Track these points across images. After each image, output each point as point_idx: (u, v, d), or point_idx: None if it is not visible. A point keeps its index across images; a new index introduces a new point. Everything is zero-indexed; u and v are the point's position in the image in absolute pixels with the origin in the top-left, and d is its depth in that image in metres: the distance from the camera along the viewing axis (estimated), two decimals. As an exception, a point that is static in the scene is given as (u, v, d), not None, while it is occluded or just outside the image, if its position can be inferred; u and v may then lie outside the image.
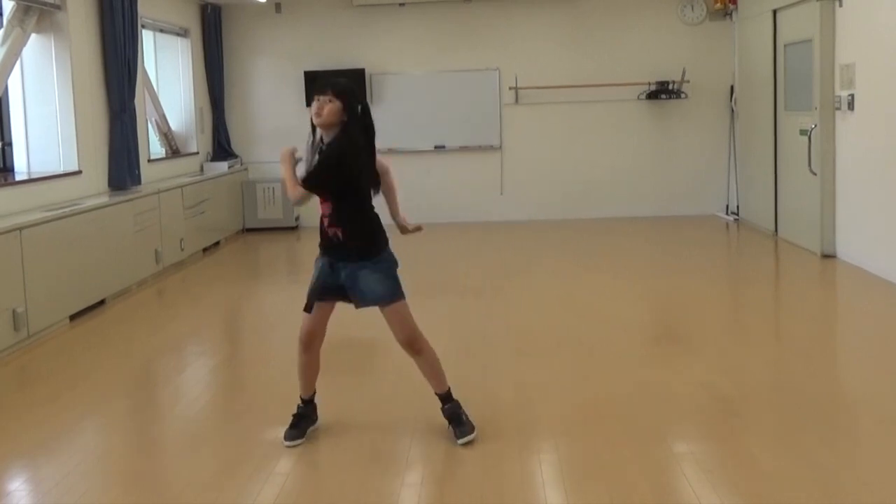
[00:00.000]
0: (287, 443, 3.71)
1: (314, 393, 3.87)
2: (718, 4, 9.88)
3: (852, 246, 7.21)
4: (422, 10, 10.30)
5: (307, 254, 9.42)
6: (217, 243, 9.37)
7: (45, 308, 5.73)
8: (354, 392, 4.51)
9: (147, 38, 9.09)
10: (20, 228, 5.54)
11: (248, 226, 10.34)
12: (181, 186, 8.39)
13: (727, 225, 9.68)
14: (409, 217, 3.87)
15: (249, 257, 9.08)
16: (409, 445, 3.70)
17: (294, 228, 10.36)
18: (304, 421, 3.82)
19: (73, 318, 6.13)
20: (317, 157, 3.51)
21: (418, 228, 3.83)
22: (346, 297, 3.66)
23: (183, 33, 9.64)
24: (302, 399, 3.86)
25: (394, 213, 3.81)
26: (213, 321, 6.49)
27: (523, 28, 10.28)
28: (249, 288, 7.68)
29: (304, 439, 3.75)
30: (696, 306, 6.23)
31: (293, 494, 3.30)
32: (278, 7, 10.40)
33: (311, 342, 3.76)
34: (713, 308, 6.21)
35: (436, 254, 8.07)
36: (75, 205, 6.49)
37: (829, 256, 7.48)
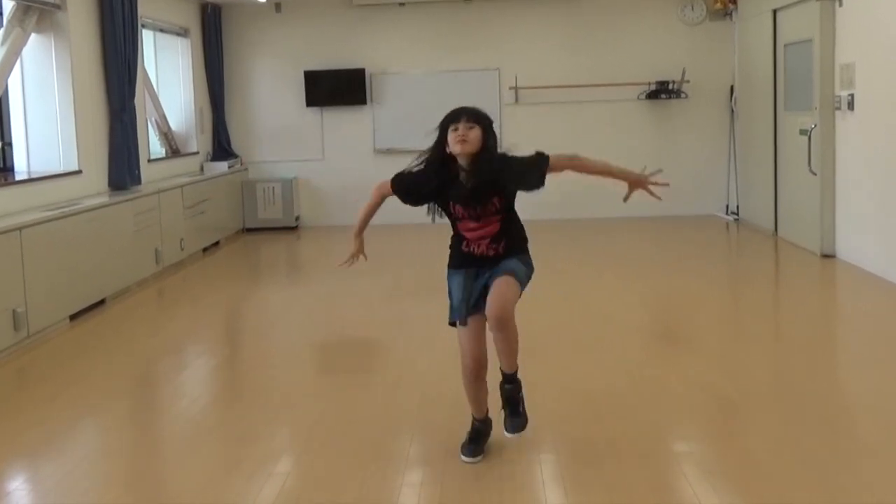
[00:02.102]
0: (467, 459, 3.48)
1: (487, 410, 3.60)
2: (718, 4, 9.88)
3: (852, 246, 7.21)
4: (422, 10, 10.30)
5: (307, 254, 9.45)
6: (217, 243, 9.37)
7: (45, 308, 5.73)
8: (354, 392, 4.51)
9: (147, 38, 9.09)
10: (20, 228, 5.53)
11: (248, 226, 10.33)
12: (181, 186, 8.39)
13: (727, 225, 9.68)
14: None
15: (249, 257, 9.09)
16: (409, 445, 3.70)
17: (294, 228, 10.36)
18: (480, 436, 3.58)
19: (73, 318, 6.13)
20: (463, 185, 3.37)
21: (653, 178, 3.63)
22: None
23: (183, 33, 9.64)
24: (476, 419, 3.59)
25: (626, 178, 3.57)
26: (213, 321, 6.49)
27: (523, 28, 10.28)
28: (249, 288, 7.68)
29: (483, 455, 3.52)
30: (696, 306, 6.23)
31: (293, 494, 3.30)
32: (278, 7, 10.40)
33: (479, 370, 3.45)
34: (713, 308, 6.21)
35: (436, 254, 8.06)
36: (75, 205, 6.48)
37: (828, 256, 7.48)
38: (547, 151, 3.42)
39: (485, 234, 3.40)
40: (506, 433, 3.49)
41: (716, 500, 3.12)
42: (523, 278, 3.44)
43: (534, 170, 3.37)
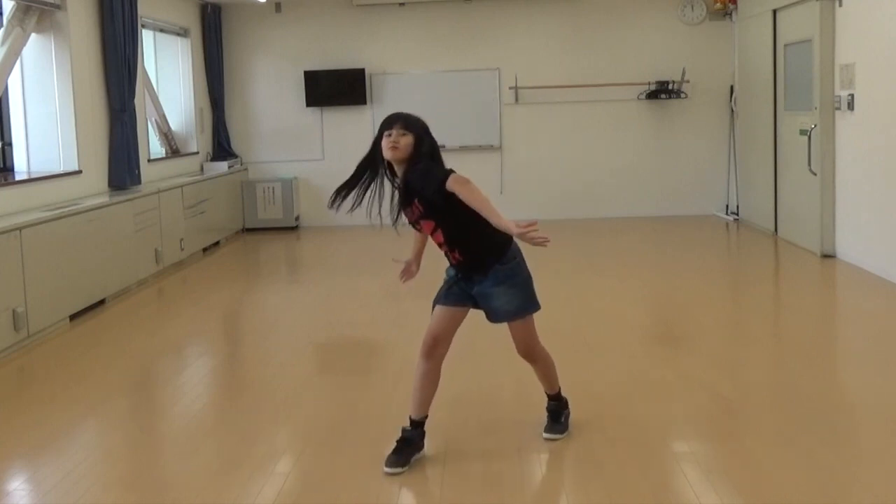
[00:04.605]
0: (387, 469, 3.38)
1: (426, 417, 3.51)
2: (718, 4, 9.88)
3: (852, 246, 7.21)
4: (422, 10, 10.30)
5: (307, 254, 9.44)
6: (217, 243, 9.37)
7: (45, 308, 5.73)
8: (354, 392, 4.51)
9: (147, 38, 9.09)
10: (20, 228, 5.53)
11: (248, 226, 10.34)
12: (181, 186, 8.39)
13: (727, 225, 9.68)
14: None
15: (249, 257, 9.08)
16: (409, 445, 3.69)
17: (294, 228, 10.37)
18: (408, 447, 3.46)
19: (73, 318, 6.13)
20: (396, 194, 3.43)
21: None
22: (477, 306, 3.50)
23: (183, 33, 9.64)
24: (411, 420, 3.50)
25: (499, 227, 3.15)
26: (213, 321, 6.49)
27: (523, 28, 10.28)
28: (249, 288, 7.68)
29: (407, 468, 3.41)
30: (696, 306, 6.23)
31: (293, 494, 3.30)
32: (278, 7, 10.40)
33: (435, 347, 3.44)
34: (713, 308, 6.21)
35: (436, 253, 8.06)
36: (75, 205, 6.48)
37: (828, 256, 7.48)
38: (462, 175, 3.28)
39: (437, 240, 3.45)
40: (543, 434, 3.66)
41: (716, 500, 3.12)
42: (526, 304, 3.45)
43: (433, 181, 3.25)
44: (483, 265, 3.40)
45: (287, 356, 5.28)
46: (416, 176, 3.31)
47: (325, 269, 8.31)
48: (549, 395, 3.73)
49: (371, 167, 3.42)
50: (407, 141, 3.31)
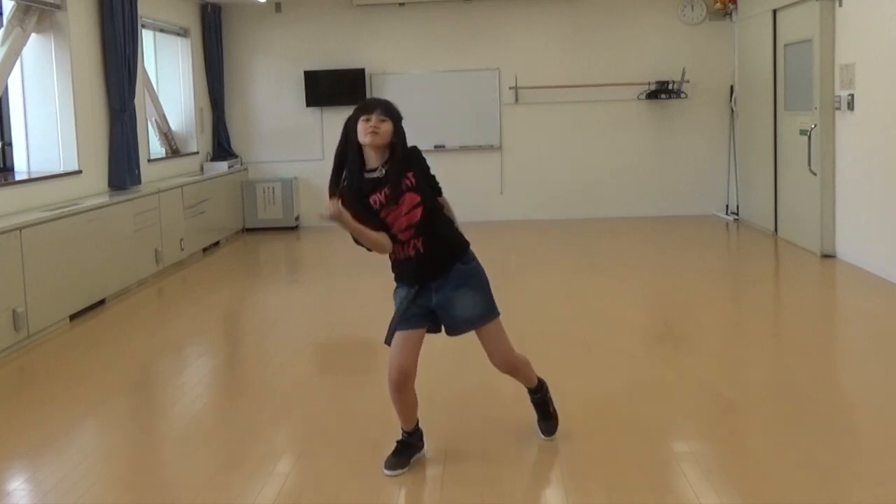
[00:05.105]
0: (387, 472, 3.40)
1: (417, 422, 3.54)
2: (718, 4, 9.88)
3: (852, 246, 7.21)
4: (422, 10, 10.30)
5: (307, 254, 9.44)
6: (217, 243, 9.37)
7: (45, 308, 5.73)
8: (354, 392, 4.51)
9: (147, 38, 9.09)
10: (20, 228, 5.53)
11: (248, 226, 10.34)
12: (181, 186, 8.40)
13: (727, 225, 9.68)
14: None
15: (249, 257, 9.08)
16: (409, 445, 3.69)
17: (294, 228, 10.37)
18: (407, 448, 3.50)
19: (73, 318, 6.13)
20: (374, 184, 3.28)
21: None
22: (435, 326, 3.42)
23: (183, 33, 9.63)
24: (405, 431, 3.53)
25: None
26: (213, 321, 6.49)
27: (523, 28, 10.28)
28: (249, 288, 7.67)
29: (407, 468, 3.44)
30: (696, 306, 6.23)
31: (293, 494, 3.30)
32: (278, 7, 10.40)
33: (405, 382, 3.37)
34: (713, 308, 6.21)
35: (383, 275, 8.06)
36: (75, 205, 6.49)
37: (828, 256, 7.48)
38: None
39: (409, 221, 3.27)
40: (542, 436, 3.66)
41: (716, 500, 3.12)
42: (490, 308, 3.40)
43: (435, 183, 3.38)
44: (442, 263, 3.33)
45: (287, 356, 5.28)
46: (413, 151, 3.34)
47: (325, 269, 8.31)
48: (530, 390, 3.68)
49: (349, 154, 3.32)
50: (387, 127, 3.27)
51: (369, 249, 3.36)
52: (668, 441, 3.70)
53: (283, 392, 4.57)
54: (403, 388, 3.39)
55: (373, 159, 3.31)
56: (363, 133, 3.26)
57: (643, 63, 10.15)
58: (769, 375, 4.65)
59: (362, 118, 3.28)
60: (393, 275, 3.48)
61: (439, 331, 3.48)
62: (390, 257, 3.42)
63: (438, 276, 3.34)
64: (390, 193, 3.25)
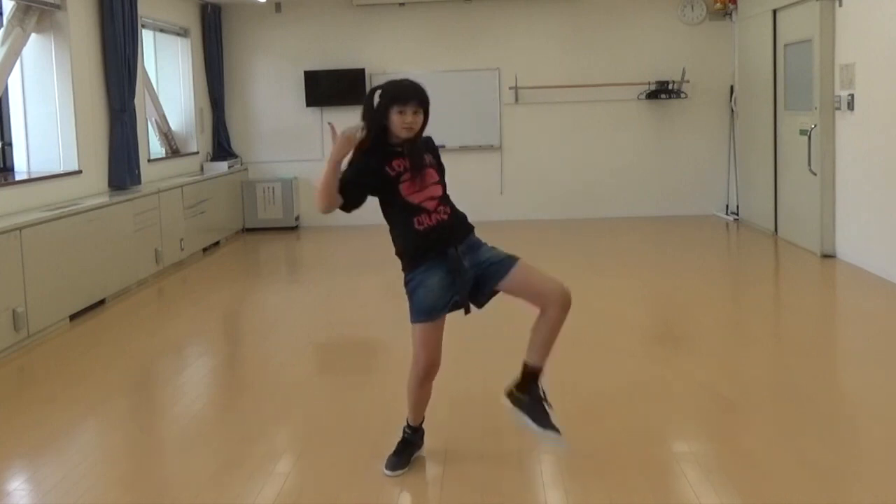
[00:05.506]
0: (388, 472, 3.40)
1: (423, 419, 3.54)
2: (718, 4, 9.88)
3: (852, 246, 7.21)
4: (422, 10, 10.30)
5: (307, 254, 9.44)
6: (217, 243, 9.37)
7: (45, 308, 5.73)
8: (354, 392, 4.51)
9: (147, 38, 9.09)
10: (20, 228, 5.54)
11: (248, 226, 10.34)
12: (181, 186, 8.40)
13: (727, 225, 9.68)
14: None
15: (249, 257, 9.08)
16: (409, 445, 3.69)
17: (294, 228, 10.37)
18: (408, 448, 3.50)
19: (73, 318, 6.13)
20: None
21: None
22: (457, 305, 3.33)
23: (183, 33, 9.64)
24: (410, 425, 3.52)
25: None
26: (213, 321, 6.49)
27: (523, 28, 10.28)
28: (249, 288, 7.67)
29: (407, 468, 3.44)
30: (696, 306, 6.23)
31: (293, 494, 3.30)
32: (278, 7, 10.40)
33: (432, 374, 3.37)
34: (713, 308, 6.21)
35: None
36: (75, 205, 6.49)
37: (828, 256, 7.48)
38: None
39: (434, 193, 3.29)
40: (552, 433, 3.35)
41: (716, 500, 3.12)
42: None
43: (443, 167, 3.44)
44: (467, 225, 3.41)
45: (287, 356, 5.28)
46: (428, 139, 3.41)
47: (325, 269, 8.31)
48: (533, 371, 3.46)
49: (374, 130, 3.25)
50: (420, 119, 3.28)
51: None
52: (668, 441, 3.70)
53: (283, 392, 4.57)
54: (430, 377, 3.38)
55: (395, 137, 3.32)
56: (399, 127, 3.24)
57: (643, 63, 10.16)
58: (769, 375, 4.65)
59: (397, 109, 3.23)
60: (408, 261, 3.32)
61: (468, 308, 3.36)
62: (411, 230, 3.27)
63: (464, 237, 3.36)
64: (412, 164, 3.27)
